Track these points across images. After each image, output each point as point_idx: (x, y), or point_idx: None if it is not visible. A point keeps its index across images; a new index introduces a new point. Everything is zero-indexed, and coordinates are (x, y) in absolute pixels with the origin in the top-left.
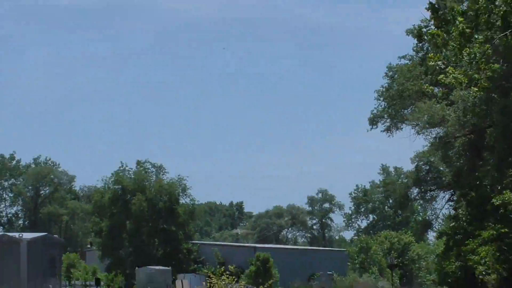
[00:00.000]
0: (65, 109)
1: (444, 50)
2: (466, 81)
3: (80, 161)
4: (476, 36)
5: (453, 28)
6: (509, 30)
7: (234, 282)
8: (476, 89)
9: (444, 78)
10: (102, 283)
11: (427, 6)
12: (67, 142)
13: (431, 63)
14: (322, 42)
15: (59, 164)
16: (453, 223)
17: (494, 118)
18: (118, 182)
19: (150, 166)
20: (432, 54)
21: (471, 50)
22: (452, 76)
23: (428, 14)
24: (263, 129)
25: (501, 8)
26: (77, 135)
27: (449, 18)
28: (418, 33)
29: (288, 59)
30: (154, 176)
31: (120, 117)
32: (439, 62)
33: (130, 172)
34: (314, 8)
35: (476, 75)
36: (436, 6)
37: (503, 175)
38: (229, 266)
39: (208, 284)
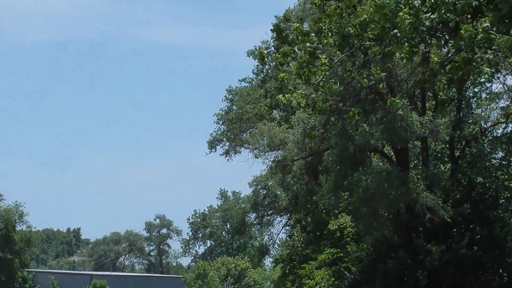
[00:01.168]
0: None
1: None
2: (304, 102)
3: None
4: (320, 56)
5: (299, 45)
6: (347, 52)
7: None
8: (310, 111)
9: (282, 97)
10: None
11: (272, 28)
12: None
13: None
14: (163, 61)
15: None
16: (289, 250)
17: (331, 141)
18: None
19: None
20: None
21: (311, 71)
22: (290, 96)
23: (269, 36)
24: (99, 151)
25: (346, 29)
26: None
27: (291, 38)
28: (260, 55)
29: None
30: None
31: None
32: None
33: None
34: (157, 28)
35: (313, 96)
36: (280, 27)
37: (338, 199)
38: None
39: None
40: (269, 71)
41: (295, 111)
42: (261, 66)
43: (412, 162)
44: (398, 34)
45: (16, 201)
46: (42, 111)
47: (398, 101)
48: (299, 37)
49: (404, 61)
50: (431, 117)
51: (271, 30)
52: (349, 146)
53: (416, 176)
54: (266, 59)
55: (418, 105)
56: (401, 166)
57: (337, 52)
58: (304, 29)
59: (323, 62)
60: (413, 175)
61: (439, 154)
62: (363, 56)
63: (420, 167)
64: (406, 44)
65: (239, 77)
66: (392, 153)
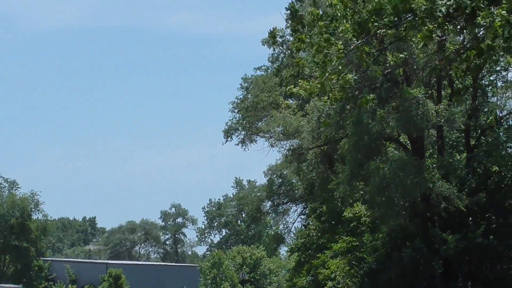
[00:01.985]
0: None
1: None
2: (316, 92)
3: None
4: (336, 42)
5: (314, 31)
6: (363, 39)
7: None
8: (327, 99)
9: (293, 88)
10: None
11: (287, 6)
12: None
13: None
14: (179, 50)
15: None
16: (304, 239)
17: (347, 130)
18: None
19: (2, 181)
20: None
21: (326, 59)
22: (303, 86)
23: (283, 24)
24: (115, 142)
25: (361, 15)
26: None
27: (305, 22)
28: (271, 34)
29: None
30: (6, 191)
31: None
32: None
33: None
34: (174, 16)
35: (329, 84)
36: (295, 6)
37: (354, 188)
38: (84, 286)
39: None
40: (284, 59)
41: (310, 99)
42: (273, 51)
43: (428, 151)
44: (416, 19)
45: (31, 190)
46: (57, 98)
47: (412, 91)
48: (314, 21)
49: (420, 45)
50: (446, 106)
51: (285, 8)
52: (365, 134)
53: (431, 165)
54: (278, 39)
55: (434, 94)
56: (416, 155)
57: (353, 39)
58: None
59: (339, 48)
60: (428, 164)
61: (454, 143)
62: (378, 43)
63: (435, 156)
64: (423, 27)
65: (255, 65)
66: (408, 141)
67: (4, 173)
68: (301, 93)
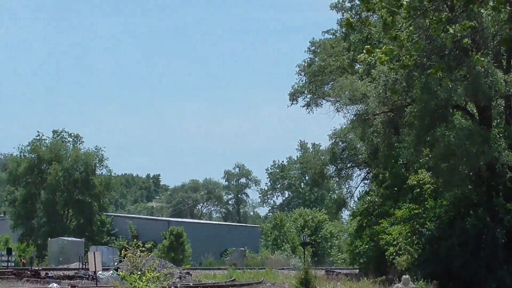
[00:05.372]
0: None
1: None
2: (387, 60)
3: None
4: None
5: None
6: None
7: (148, 256)
8: (394, 66)
9: (363, 56)
10: (14, 253)
11: None
12: None
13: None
14: (249, 11)
15: None
16: (367, 204)
17: (414, 96)
18: (34, 151)
19: (66, 135)
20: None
21: (397, 24)
22: (374, 54)
23: None
24: (181, 102)
25: None
26: None
27: None
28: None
29: (212, 29)
30: (70, 145)
31: (38, 85)
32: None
33: (46, 141)
34: None
35: (397, 52)
36: None
37: (419, 154)
38: (146, 242)
39: (123, 255)
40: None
41: (377, 64)
42: (342, 16)
43: (495, 120)
44: None
45: (96, 145)
46: (127, 55)
47: (482, 59)
48: None
49: (493, 12)
50: None
51: None
52: (432, 101)
53: (498, 135)
54: (346, 4)
55: (503, 63)
56: (483, 124)
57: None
58: None
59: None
60: (495, 133)
61: None
62: (448, 10)
63: (502, 125)
64: None
65: (323, 29)
66: (475, 110)
67: (69, 128)
68: (371, 60)
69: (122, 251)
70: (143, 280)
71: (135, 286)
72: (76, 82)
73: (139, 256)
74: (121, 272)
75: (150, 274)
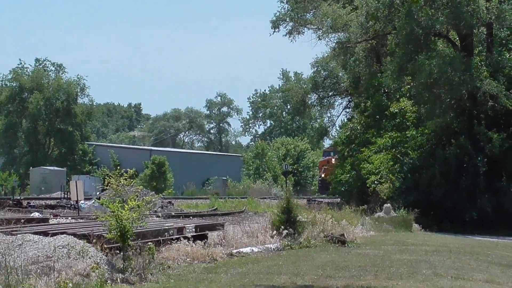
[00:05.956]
0: None
1: None
2: None
3: None
4: None
5: None
6: None
7: (130, 185)
8: None
9: None
10: None
11: None
12: None
13: None
14: None
15: None
16: (348, 132)
17: (396, 24)
18: (15, 80)
19: (49, 64)
20: None
21: None
22: None
23: None
24: (163, 30)
25: None
26: None
27: None
28: None
29: None
30: (53, 74)
31: (20, 13)
32: None
33: (28, 70)
34: None
35: None
36: None
37: (401, 83)
38: (127, 169)
39: (106, 183)
40: None
41: None
42: None
43: (477, 49)
44: None
45: (78, 74)
46: None
47: None
48: None
49: None
50: (497, 3)
51: None
52: (414, 29)
53: (480, 63)
54: None
55: None
56: (465, 52)
57: None
58: None
59: None
60: (477, 61)
61: (504, 41)
62: None
63: (484, 53)
64: None
65: None
66: (457, 38)
67: (51, 58)
68: None
69: (106, 179)
70: (125, 209)
71: (117, 214)
72: (56, 11)
73: (122, 185)
74: (101, 202)
75: (132, 203)
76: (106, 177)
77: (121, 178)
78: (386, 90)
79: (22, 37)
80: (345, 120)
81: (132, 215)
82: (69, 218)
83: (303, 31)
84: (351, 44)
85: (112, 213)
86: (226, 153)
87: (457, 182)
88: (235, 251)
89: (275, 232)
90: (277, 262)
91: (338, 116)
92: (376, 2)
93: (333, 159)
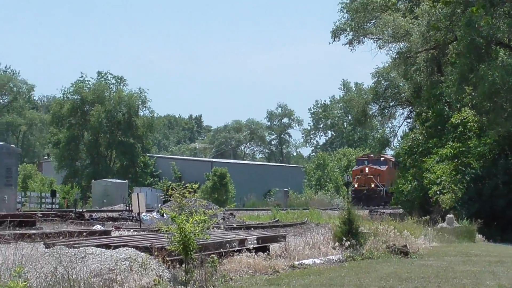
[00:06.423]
0: (25, 15)
1: None
2: None
3: (40, 70)
4: None
5: None
6: None
7: (193, 197)
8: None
9: None
10: (57, 195)
11: None
12: (27, 50)
13: None
14: None
15: (18, 73)
16: (410, 142)
17: (457, 33)
18: (77, 93)
19: (110, 77)
20: None
21: None
22: None
23: None
24: (224, 42)
25: None
26: (37, 43)
27: None
28: None
29: None
30: (114, 87)
31: (82, 26)
32: None
33: (90, 83)
34: None
35: None
36: None
37: (462, 92)
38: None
39: (170, 195)
40: None
41: (420, 1)
42: None
43: None
44: None
45: (139, 87)
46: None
47: None
48: None
49: None
50: None
51: None
52: (475, 37)
53: None
54: None
55: None
56: None
57: None
58: None
59: None
60: None
61: None
62: None
63: None
64: None
65: None
66: None
67: (113, 70)
68: None
69: (169, 191)
70: (190, 222)
71: (182, 227)
72: (118, 23)
73: (186, 198)
74: (165, 212)
75: (197, 217)
76: (169, 188)
77: (185, 190)
78: (448, 100)
79: (84, 50)
80: (407, 130)
81: (196, 228)
82: (131, 230)
83: (363, 40)
84: (412, 53)
85: (176, 226)
86: (287, 164)
87: None
88: (297, 262)
89: (337, 243)
90: (339, 273)
91: (400, 127)
92: (438, 12)
93: (367, 168)
